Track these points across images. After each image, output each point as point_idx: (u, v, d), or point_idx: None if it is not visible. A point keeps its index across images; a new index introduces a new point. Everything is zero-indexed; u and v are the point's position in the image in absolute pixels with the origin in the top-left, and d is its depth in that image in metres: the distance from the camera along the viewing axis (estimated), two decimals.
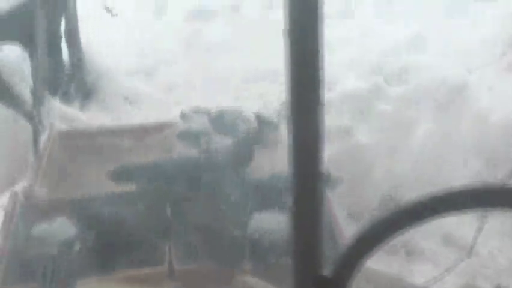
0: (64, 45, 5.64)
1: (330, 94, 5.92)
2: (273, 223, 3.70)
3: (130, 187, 4.19)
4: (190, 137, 4.64)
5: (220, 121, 5.11)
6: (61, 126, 4.98)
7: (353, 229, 4.22)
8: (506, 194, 1.04)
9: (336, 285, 1.01)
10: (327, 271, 1.08)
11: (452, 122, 5.29)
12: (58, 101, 5.37)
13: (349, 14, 7.37)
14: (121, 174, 4.29)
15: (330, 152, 5.17)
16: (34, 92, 4.80)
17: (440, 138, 5.10)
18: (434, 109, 5.43)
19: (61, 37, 5.56)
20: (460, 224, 4.32)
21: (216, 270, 3.64)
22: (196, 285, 3.59)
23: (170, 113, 5.57)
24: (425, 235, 4.32)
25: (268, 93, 6.06)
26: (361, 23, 7.17)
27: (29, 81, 4.80)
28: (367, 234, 1.10)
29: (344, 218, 4.52)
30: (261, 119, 5.24)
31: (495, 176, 4.76)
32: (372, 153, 4.96)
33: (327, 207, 4.02)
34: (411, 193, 4.59)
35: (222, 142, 4.48)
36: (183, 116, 5.15)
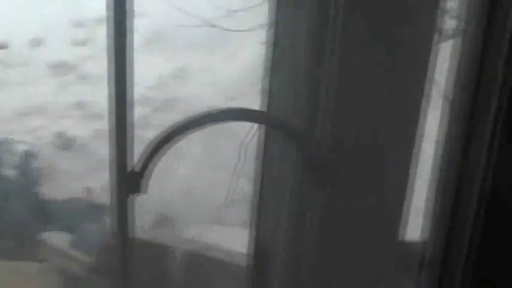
0: None
1: (99, 125, 6.19)
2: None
3: None
4: None
5: None
6: None
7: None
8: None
9: (140, 174, 1.49)
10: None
11: (216, 146, 5.70)
12: None
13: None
14: None
15: (104, 181, 5.44)
16: None
17: (205, 161, 5.50)
18: (200, 135, 5.82)
19: None
20: None
21: None
22: None
23: None
24: None
25: (39, 127, 6.22)
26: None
27: None
28: (156, 141, 1.61)
29: None
30: (29, 152, 5.46)
31: None
32: None
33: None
34: (183, 209, 4.99)
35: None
36: None
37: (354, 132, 1.60)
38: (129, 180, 1.46)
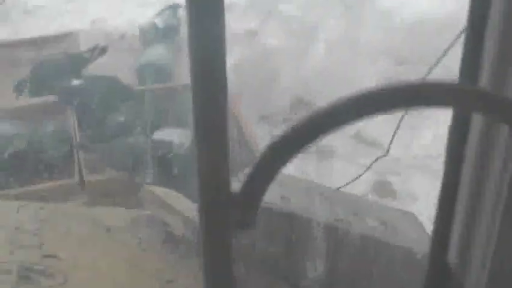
0: None
1: None
2: (175, 136, 3.69)
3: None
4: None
5: None
6: None
7: (266, 130, 4.17)
8: (422, 90, 0.97)
9: (247, 203, 0.88)
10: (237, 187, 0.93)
11: (358, 23, 5.28)
12: None
13: None
14: (24, 87, 4.19)
15: (237, 56, 5.10)
16: None
17: (347, 39, 5.10)
18: (340, 10, 5.41)
19: None
20: (369, 122, 4.32)
21: (124, 181, 3.60)
22: (106, 195, 3.54)
23: (69, 23, 5.39)
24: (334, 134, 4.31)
25: None
26: None
27: None
28: (280, 145, 0.91)
29: (257, 120, 4.49)
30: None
31: (402, 74, 4.80)
32: (279, 56, 4.93)
33: (235, 110, 4.00)
34: (321, 96, 4.61)
35: None
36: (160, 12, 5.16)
37: None
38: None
